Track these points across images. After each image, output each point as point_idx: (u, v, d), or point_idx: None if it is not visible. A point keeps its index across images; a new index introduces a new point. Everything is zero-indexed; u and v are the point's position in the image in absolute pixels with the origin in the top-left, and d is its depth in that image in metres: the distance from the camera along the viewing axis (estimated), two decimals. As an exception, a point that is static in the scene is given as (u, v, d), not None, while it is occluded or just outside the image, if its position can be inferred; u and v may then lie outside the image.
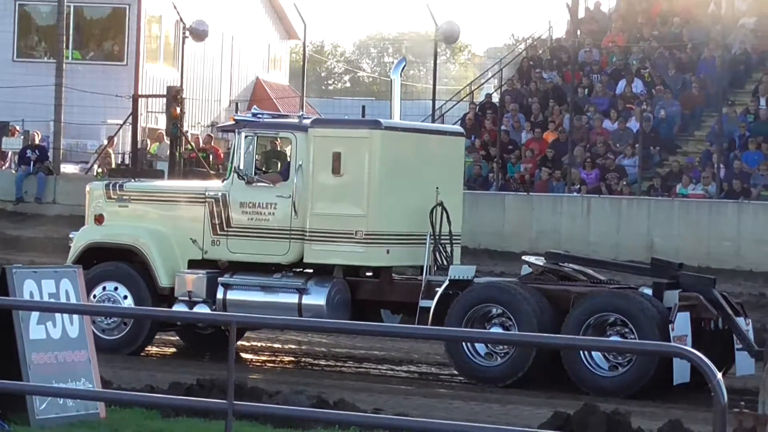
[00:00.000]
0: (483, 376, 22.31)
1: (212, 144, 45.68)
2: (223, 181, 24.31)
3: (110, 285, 23.98)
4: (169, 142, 42.90)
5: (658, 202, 37.01)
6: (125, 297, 23.90)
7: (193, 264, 23.85)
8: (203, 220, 23.80)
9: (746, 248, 34.97)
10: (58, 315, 16.72)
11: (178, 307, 23.28)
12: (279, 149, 24.46)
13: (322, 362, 24.89)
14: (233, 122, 25.23)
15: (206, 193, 24.08)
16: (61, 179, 43.82)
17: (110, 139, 47.03)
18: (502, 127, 41.00)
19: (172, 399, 16.42)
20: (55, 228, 33.90)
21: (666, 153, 39.69)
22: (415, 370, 24.40)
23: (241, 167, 23.71)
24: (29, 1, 53.88)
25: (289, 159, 23.70)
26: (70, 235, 25.07)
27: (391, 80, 26.44)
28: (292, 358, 25.10)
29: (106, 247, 24.31)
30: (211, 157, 43.65)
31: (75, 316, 16.93)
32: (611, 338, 21.69)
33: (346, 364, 24.74)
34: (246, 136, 23.84)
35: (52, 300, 16.63)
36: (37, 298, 16.54)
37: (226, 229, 23.72)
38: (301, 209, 23.35)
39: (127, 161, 45.61)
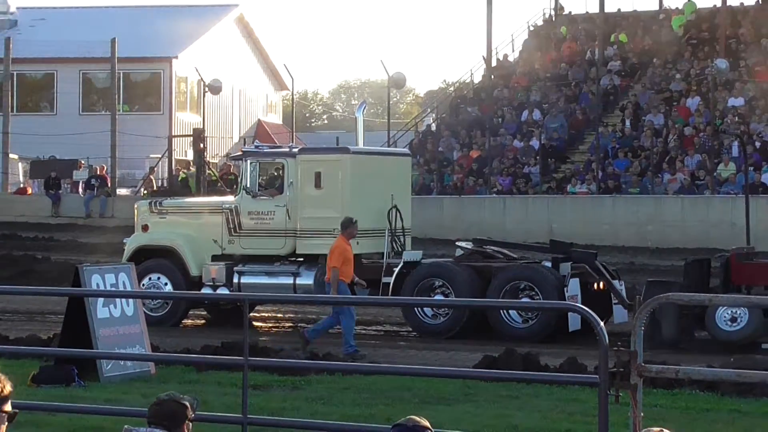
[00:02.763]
0: (431, 331, 22.25)
1: (232, 170, 45.40)
2: (235, 197, 24.22)
3: (155, 276, 23.84)
4: (195, 169, 42.67)
5: (554, 199, 37.01)
6: (166, 284, 23.73)
7: (215, 258, 23.72)
8: (221, 225, 23.68)
9: (619, 230, 34.99)
10: (117, 299, 16.68)
11: (205, 290, 23.17)
12: (275, 171, 24.41)
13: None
14: (242, 153, 25.11)
15: (223, 206, 23.98)
16: (117, 200, 43.60)
17: (152, 168, 46.81)
18: (439, 148, 40.96)
19: (203, 357, 16.38)
20: (114, 236, 33.63)
21: (559, 162, 39.73)
22: (381, 329, 24.31)
23: (248, 185, 23.62)
24: (90, 70, 53.60)
25: (283, 178, 23.63)
26: (124, 241, 24.94)
27: (356, 118, 26.38)
28: (291, 324, 24.98)
29: (150, 248, 24.17)
30: (239, 179, 43.16)
31: (130, 300, 16.90)
32: (523, 300, 21.69)
33: (331, 327, 24.61)
34: (251, 163, 23.74)
35: (113, 289, 16.59)
36: (101, 288, 16.51)
37: (238, 231, 23.61)
38: (293, 214, 23.27)
39: (165, 185, 45.41)
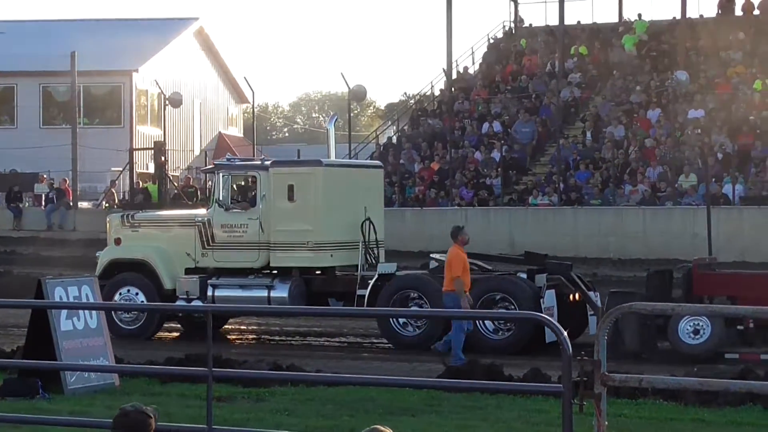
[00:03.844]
0: (407, 343, 22.13)
1: (191, 182, 45.32)
2: (207, 210, 24.14)
3: (130, 289, 23.72)
4: (157, 182, 42.55)
5: (516, 210, 37.06)
6: (142, 299, 23.59)
7: (188, 271, 23.64)
8: (194, 238, 23.60)
9: (581, 241, 35.03)
10: (80, 311, 16.65)
11: (179, 303, 23.05)
12: (248, 184, 24.25)
13: (276, 338, 24.77)
14: (214, 165, 25.06)
15: (195, 219, 23.90)
16: (79, 213, 43.48)
17: (113, 182, 46.68)
18: (401, 161, 41.00)
19: (168, 369, 16.35)
20: (76, 249, 33.53)
21: (520, 174, 39.85)
22: (345, 341, 24.33)
23: (221, 198, 23.58)
24: (50, 83, 53.37)
25: (255, 191, 23.56)
26: (97, 254, 24.71)
27: (327, 130, 26.43)
28: (255, 336, 24.96)
29: (123, 262, 24.05)
30: (199, 192, 43.15)
31: (93, 312, 16.87)
32: (495, 311, 21.51)
33: (294, 338, 24.62)
34: (223, 176, 23.70)
35: (76, 301, 16.55)
36: (65, 300, 16.46)
37: (211, 244, 23.55)
38: (266, 227, 23.23)
39: (127, 198, 45.23)
